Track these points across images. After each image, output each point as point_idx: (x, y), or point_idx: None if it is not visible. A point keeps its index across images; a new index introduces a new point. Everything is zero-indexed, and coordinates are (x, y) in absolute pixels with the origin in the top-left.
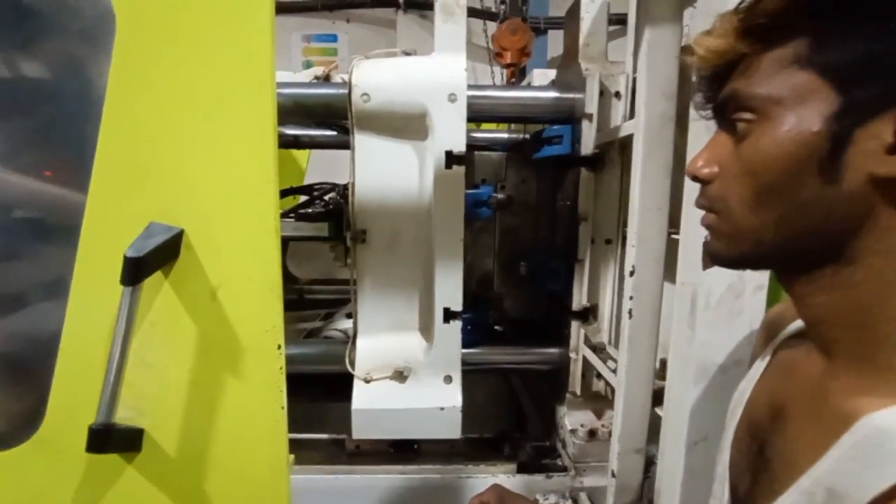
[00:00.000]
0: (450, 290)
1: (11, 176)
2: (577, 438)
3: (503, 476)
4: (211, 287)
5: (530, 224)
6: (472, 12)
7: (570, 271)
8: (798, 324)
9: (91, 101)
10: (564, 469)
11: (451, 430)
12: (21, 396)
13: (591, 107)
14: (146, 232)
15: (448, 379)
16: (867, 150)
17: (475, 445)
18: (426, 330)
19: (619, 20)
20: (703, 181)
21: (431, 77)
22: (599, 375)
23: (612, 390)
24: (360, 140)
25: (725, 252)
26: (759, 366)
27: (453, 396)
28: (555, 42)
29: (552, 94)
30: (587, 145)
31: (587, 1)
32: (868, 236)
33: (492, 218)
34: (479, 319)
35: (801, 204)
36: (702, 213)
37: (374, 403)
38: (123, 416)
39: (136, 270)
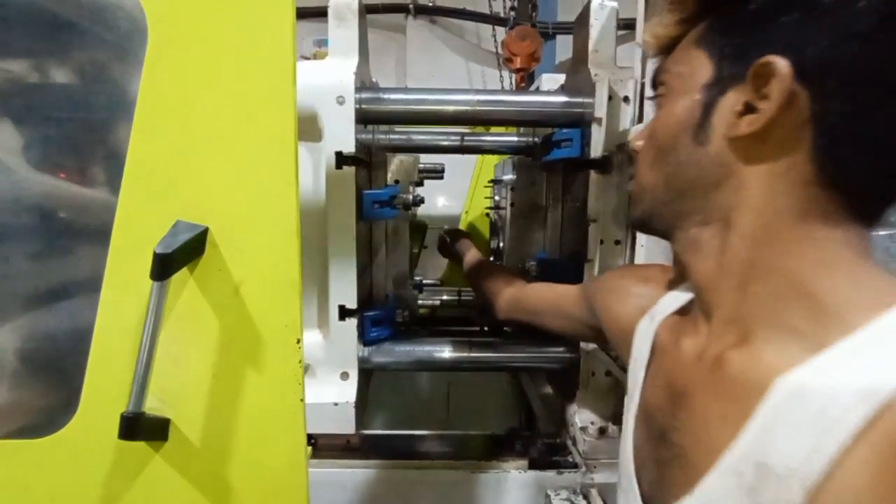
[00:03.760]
0: (344, 288)
1: (49, 179)
2: (588, 436)
3: (515, 472)
4: (234, 283)
5: (540, 225)
6: (482, 18)
7: (579, 272)
8: (672, 303)
9: (122, 108)
10: (575, 466)
11: (346, 425)
12: (57, 387)
13: (601, 111)
14: (173, 230)
15: (345, 375)
16: (724, 115)
17: (486, 442)
18: (324, 327)
19: (627, 25)
20: (636, 153)
21: (320, 81)
22: (608, 374)
23: (621, 389)
24: None
25: (636, 213)
26: (644, 349)
27: (349, 392)
28: (563, 47)
29: (562, 98)
30: (596, 148)
31: (596, 7)
32: (731, 193)
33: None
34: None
35: (679, 163)
36: None
37: None
38: (150, 406)
39: (164, 266)
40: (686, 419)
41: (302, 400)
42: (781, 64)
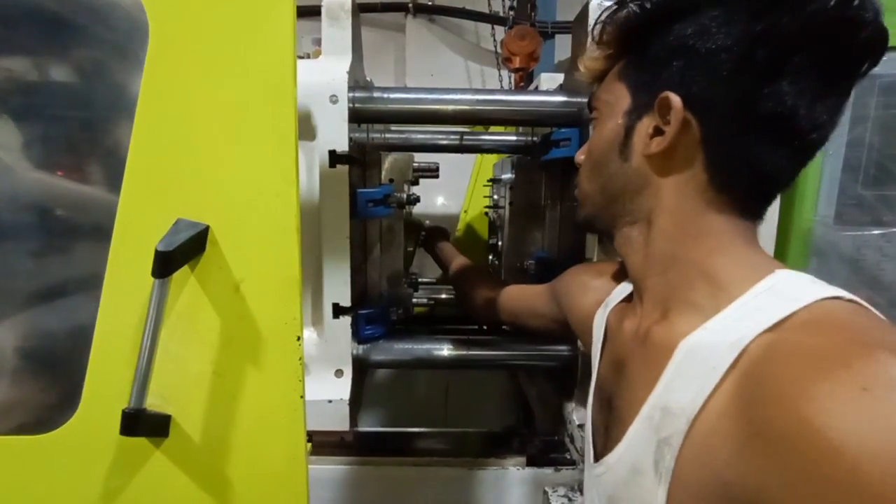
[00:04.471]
0: (338, 286)
1: (49, 177)
2: (585, 433)
3: (513, 468)
4: (234, 281)
5: (539, 224)
6: (481, 17)
7: None
8: (622, 292)
9: (123, 106)
10: (573, 463)
11: (340, 422)
12: (58, 384)
13: None
14: (174, 228)
15: (339, 373)
16: (641, 137)
17: (484, 440)
18: (318, 325)
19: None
20: (578, 166)
21: (314, 80)
22: None
23: None
24: None
25: (581, 216)
26: (599, 334)
27: (342, 390)
28: (562, 46)
29: (560, 97)
30: None
31: (595, 7)
32: (650, 198)
33: (501, 218)
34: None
35: (610, 175)
36: None
37: None
38: (151, 403)
39: (166, 264)
40: (623, 385)
41: (302, 397)
42: (675, 98)
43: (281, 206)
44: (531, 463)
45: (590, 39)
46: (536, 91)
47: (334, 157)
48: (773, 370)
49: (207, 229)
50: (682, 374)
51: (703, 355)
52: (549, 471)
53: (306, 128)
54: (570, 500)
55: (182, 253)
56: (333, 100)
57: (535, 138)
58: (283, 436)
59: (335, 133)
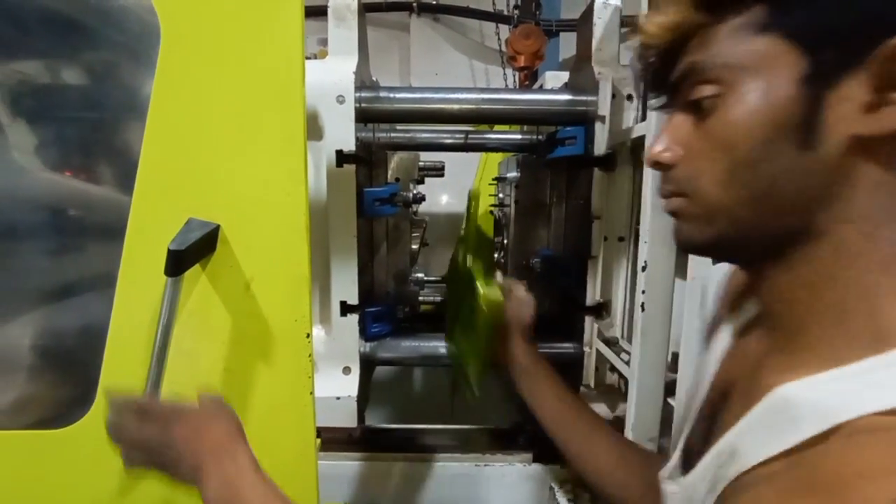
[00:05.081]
0: (345, 284)
1: (63, 178)
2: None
3: (519, 465)
4: (245, 279)
5: (544, 222)
6: (485, 16)
7: (582, 268)
8: (755, 309)
9: (135, 108)
10: None
11: (348, 418)
12: (73, 381)
13: (604, 109)
14: (186, 227)
15: (347, 370)
16: (844, 111)
17: (491, 436)
18: (325, 323)
19: (630, 23)
20: (667, 166)
21: (321, 80)
22: (612, 369)
23: (625, 383)
24: None
25: (698, 236)
26: (719, 347)
27: (350, 387)
28: (566, 44)
29: (565, 96)
30: (600, 146)
31: (600, 6)
32: (841, 204)
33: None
34: None
35: (776, 175)
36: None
37: None
38: (164, 399)
39: (178, 262)
40: (722, 415)
41: (311, 393)
42: None
43: (290, 205)
44: (538, 459)
45: None
46: (541, 90)
47: (341, 157)
48: (848, 470)
49: (218, 228)
50: (762, 421)
51: (789, 414)
52: (556, 467)
53: (313, 128)
54: (576, 496)
55: (194, 252)
56: (340, 100)
57: (540, 136)
58: (293, 432)
59: (342, 133)
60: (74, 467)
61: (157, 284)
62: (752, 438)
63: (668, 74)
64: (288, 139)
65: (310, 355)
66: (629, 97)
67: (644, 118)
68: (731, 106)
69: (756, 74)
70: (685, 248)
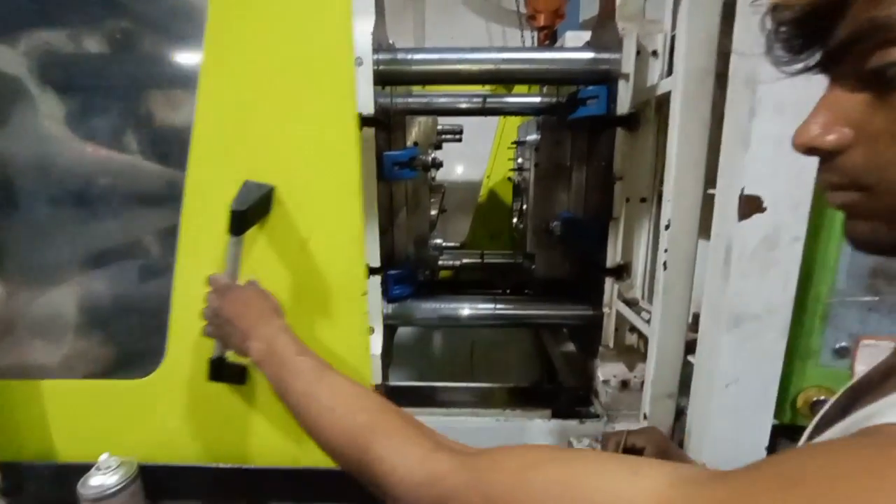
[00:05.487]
0: (369, 247)
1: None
2: (610, 388)
3: (539, 420)
4: (301, 239)
5: (564, 185)
6: None
7: (603, 230)
8: None
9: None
10: (597, 416)
11: (373, 376)
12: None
13: (628, 66)
14: (244, 188)
15: (371, 330)
16: None
17: (511, 394)
18: None
19: None
20: (829, 152)
21: None
22: (632, 329)
23: (645, 344)
24: None
25: (886, 237)
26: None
27: (374, 346)
28: (588, 4)
29: (588, 54)
30: (623, 105)
31: None
32: None
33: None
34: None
35: None
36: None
37: None
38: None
39: (240, 222)
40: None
41: (368, 348)
42: None
43: (343, 167)
44: (556, 415)
45: None
46: (563, 48)
47: (361, 120)
48: None
49: (273, 189)
50: None
51: None
52: (573, 423)
53: None
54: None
55: (255, 212)
56: (359, 62)
57: (560, 98)
58: None
59: (362, 96)
60: (153, 410)
61: (216, 244)
62: (893, 409)
63: (825, 35)
64: (340, 103)
65: (365, 312)
66: (654, 53)
67: (670, 73)
68: None
69: None
70: (868, 250)
